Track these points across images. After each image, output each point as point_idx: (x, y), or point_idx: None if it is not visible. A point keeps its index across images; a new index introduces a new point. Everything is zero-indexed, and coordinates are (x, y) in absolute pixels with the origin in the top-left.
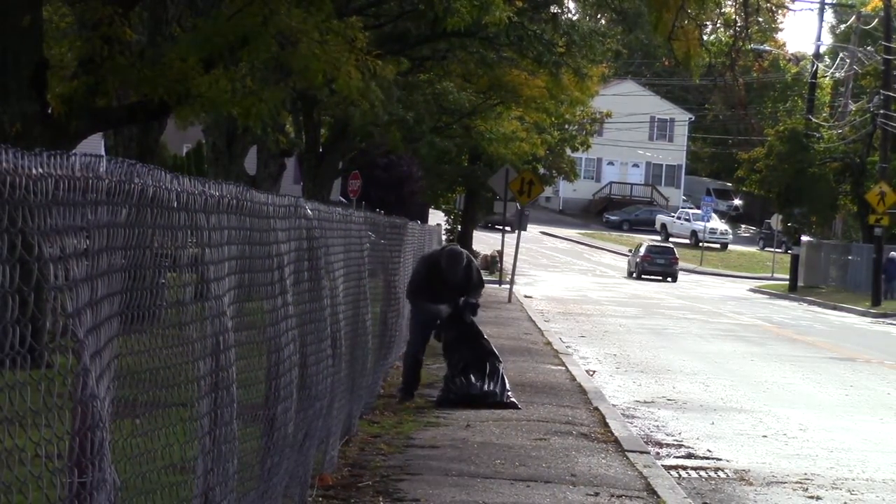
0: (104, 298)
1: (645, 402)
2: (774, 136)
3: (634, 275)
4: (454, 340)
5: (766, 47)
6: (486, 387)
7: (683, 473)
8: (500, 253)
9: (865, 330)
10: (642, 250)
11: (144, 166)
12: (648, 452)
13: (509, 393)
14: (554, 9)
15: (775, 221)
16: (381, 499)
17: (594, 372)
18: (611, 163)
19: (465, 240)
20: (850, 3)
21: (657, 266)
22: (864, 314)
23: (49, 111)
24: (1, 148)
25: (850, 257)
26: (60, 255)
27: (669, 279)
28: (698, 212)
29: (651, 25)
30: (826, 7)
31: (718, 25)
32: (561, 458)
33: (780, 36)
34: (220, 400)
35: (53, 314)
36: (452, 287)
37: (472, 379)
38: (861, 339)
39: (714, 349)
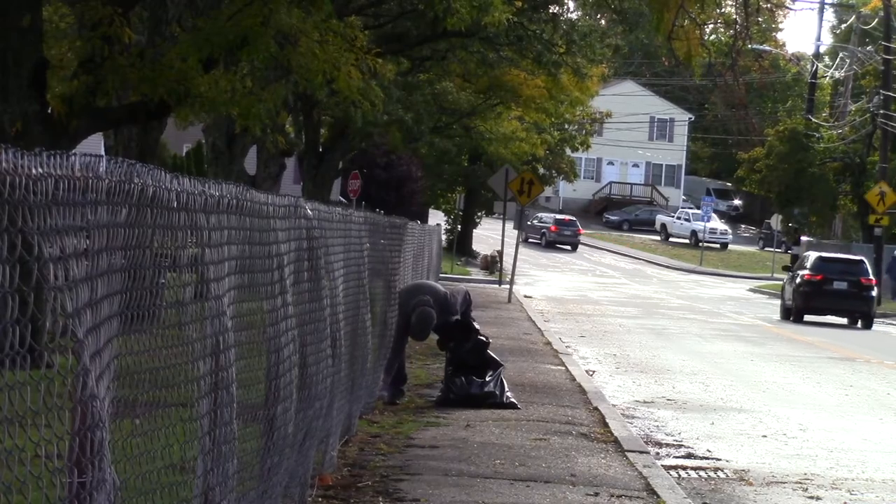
0: (104, 298)
1: (645, 402)
2: (774, 136)
3: (538, 243)
4: (459, 346)
5: (766, 47)
6: (486, 387)
7: (683, 473)
8: (500, 253)
9: (865, 330)
10: (548, 222)
11: (144, 166)
12: (648, 452)
13: (509, 394)
14: (554, 8)
15: (775, 221)
16: (380, 499)
17: (594, 372)
18: (611, 163)
19: (465, 240)
20: (850, 3)
21: (564, 237)
22: None
23: (49, 111)
24: (1, 148)
25: None
26: (60, 255)
27: (570, 247)
28: (698, 212)
29: (653, 26)
30: (826, 7)
31: (719, 25)
32: (561, 458)
33: (780, 36)
34: (220, 400)
35: (53, 314)
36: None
37: (473, 379)
38: (861, 339)
39: (714, 349)
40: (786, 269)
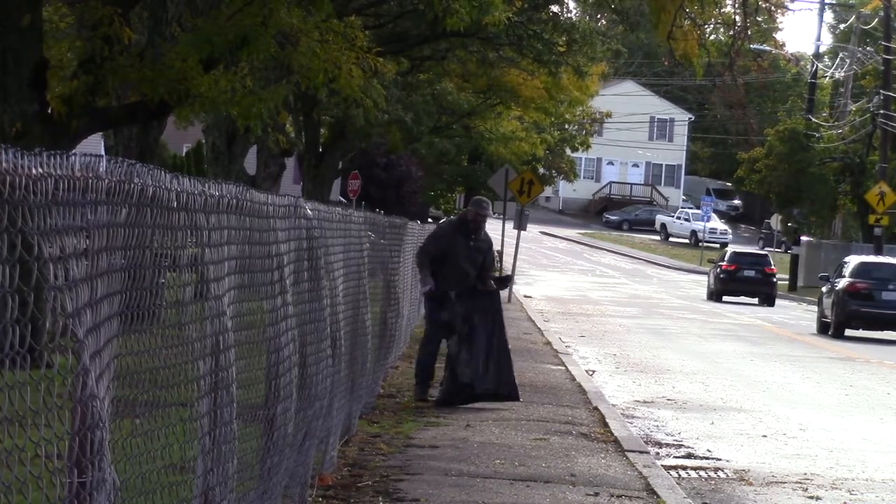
0: (104, 298)
1: (644, 401)
2: (774, 136)
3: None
4: (471, 325)
5: (766, 47)
6: (485, 382)
7: (683, 473)
8: (500, 253)
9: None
10: None
11: (144, 166)
12: (648, 452)
13: (512, 384)
14: (555, 8)
15: (775, 221)
16: (380, 499)
17: (594, 372)
18: (611, 163)
19: None
20: (850, 3)
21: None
22: None
23: (49, 111)
24: (1, 148)
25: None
26: (60, 255)
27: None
28: (698, 212)
29: (652, 25)
30: (826, 7)
31: (719, 25)
32: (561, 457)
33: (779, 36)
34: (220, 400)
35: (53, 314)
36: (469, 260)
37: (471, 372)
38: (861, 338)
39: (714, 349)
40: (710, 261)
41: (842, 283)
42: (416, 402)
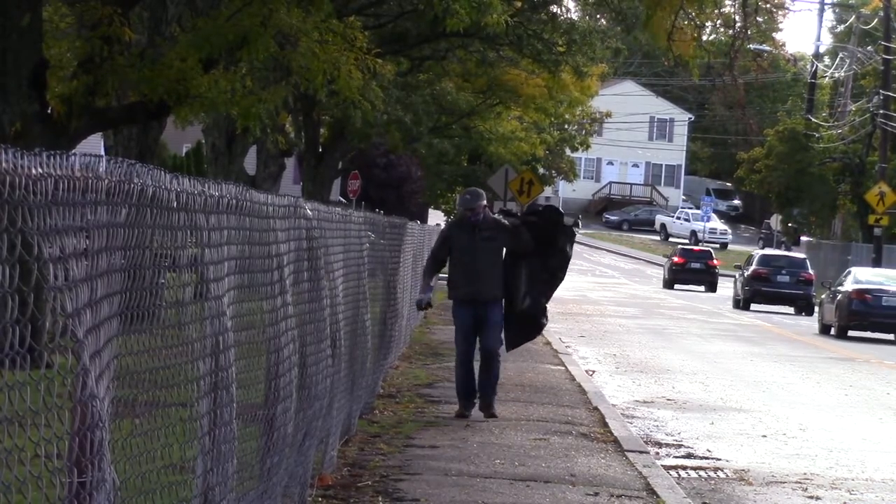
0: (104, 298)
1: (644, 401)
2: (774, 136)
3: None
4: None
5: (766, 47)
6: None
7: (683, 473)
8: None
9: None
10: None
11: (144, 166)
12: (648, 452)
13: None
14: (554, 9)
15: (775, 221)
16: (380, 498)
17: (594, 372)
18: (610, 163)
19: None
20: (850, 2)
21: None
22: None
23: (49, 111)
24: (1, 148)
25: (849, 257)
26: (60, 255)
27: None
28: (698, 212)
29: (642, 23)
30: (826, 7)
31: (718, 26)
32: (560, 457)
33: (779, 36)
34: (220, 400)
35: (53, 314)
36: (477, 254)
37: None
38: (860, 339)
39: (714, 349)
40: (665, 256)
41: (749, 270)
42: (456, 418)
